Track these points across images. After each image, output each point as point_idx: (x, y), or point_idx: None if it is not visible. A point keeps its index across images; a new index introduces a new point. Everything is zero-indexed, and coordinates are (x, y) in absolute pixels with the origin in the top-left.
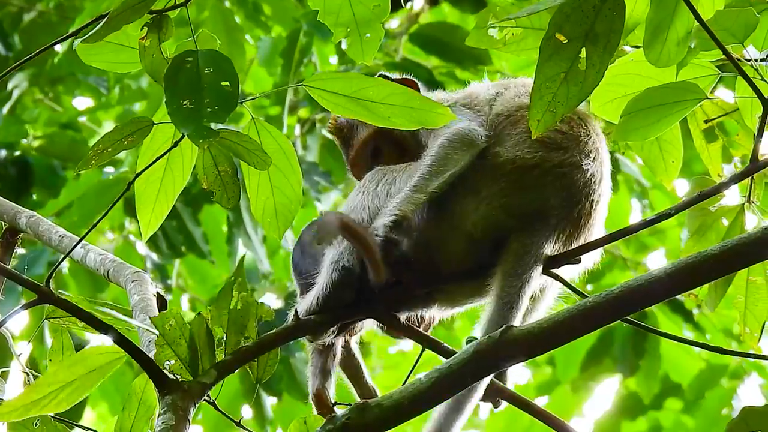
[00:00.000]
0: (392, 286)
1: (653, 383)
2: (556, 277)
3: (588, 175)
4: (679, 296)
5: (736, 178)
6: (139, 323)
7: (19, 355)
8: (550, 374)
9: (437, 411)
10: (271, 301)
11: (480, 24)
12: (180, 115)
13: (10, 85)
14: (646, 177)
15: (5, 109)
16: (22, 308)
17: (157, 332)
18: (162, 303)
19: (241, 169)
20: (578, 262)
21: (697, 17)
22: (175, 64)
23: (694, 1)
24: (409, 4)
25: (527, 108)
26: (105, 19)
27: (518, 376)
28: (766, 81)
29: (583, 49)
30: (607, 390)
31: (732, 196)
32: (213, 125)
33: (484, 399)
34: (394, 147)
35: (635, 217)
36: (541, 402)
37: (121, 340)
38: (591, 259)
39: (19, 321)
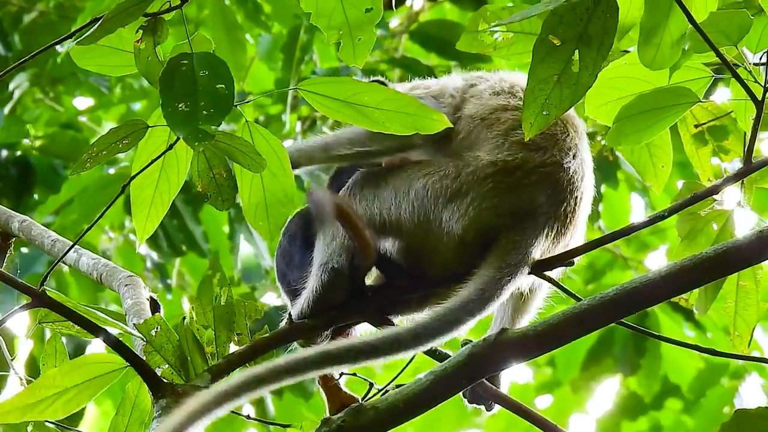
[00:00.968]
0: (383, 288)
1: (654, 382)
2: (550, 280)
3: (570, 172)
4: None
5: (730, 180)
6: (131, 329)
7: (12, 360)
8: (551, 375)
9: None
10: (272, 299)
11: (471, 28)
12: (175, 117)
13: (11, 86)
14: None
15: (6, 110)
16: (16, 312)
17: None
18: (155, 307)
19: (234, 171)
20: (571, 264)
21: (690, 19)
22: (170, 67)
23: (688, 3)
24: (409, 2)
25: (503, 109)
26: (100, 21)
27: (518, 376)
28: (759, 83)
29: (577, 52)
30: (608, 390)
31: (728, 200)
32: (208, 128)
33: (478, 402)
34: None
35: (636, 214)
36: (543, 402)
37: (115, 344)
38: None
39: (21, 320)
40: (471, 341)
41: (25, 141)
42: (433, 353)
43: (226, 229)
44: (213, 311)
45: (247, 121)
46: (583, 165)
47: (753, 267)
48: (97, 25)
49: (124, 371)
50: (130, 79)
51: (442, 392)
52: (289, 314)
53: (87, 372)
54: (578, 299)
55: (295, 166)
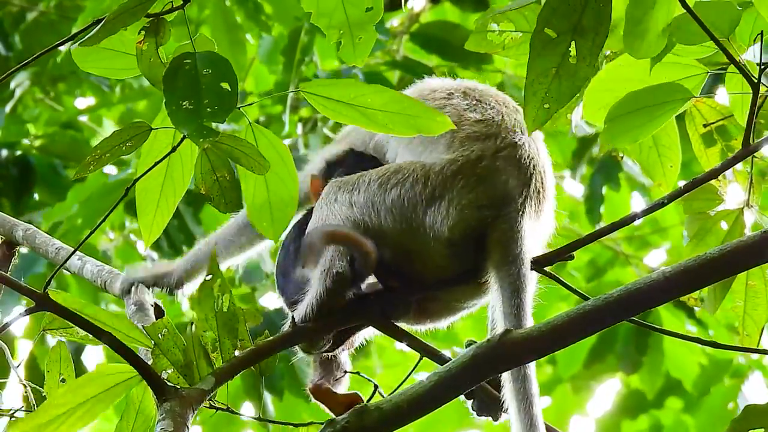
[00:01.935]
0: (386, 292)
1: (656, 379)
2: (552, 276)
3: (526, 147)
4: None
5: (728, 164)
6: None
7: (17, 366)
8: (551, 374)
9: None
10: (272, 300)
11: (479, 28)
12: (179, 115)
13: (12, 84)
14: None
15: (7, 109)
16: (20, 316)
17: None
18: (159, 313)
19: (237, 172)
20: (571, 258)
21: (685, 5)
22: (173, 67)
23: None
24: (410, 4)
25: (442, 107)
26: (102, 22)
27: None
28: (753, 77)
29: (573, 43)
30: (609, 390)
31: (732, 199)
32: (213, 125)
33: (485, 413)
34: None
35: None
36: (542, 403)
37: (119, 347)
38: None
39: (21, 323)
40: (475, 342)
41: (25, 140)
42: (435, 357)
43: None
44: (216, 319)
45: (250, 122)
46: (533, 139)
47: (762, 267)
48: (99, 27)
49: (134, 381)
50: (130, 79)
51: (446, 393)
52: (292, 318)
53: (98, 386)
54: (586, 298)
55: None
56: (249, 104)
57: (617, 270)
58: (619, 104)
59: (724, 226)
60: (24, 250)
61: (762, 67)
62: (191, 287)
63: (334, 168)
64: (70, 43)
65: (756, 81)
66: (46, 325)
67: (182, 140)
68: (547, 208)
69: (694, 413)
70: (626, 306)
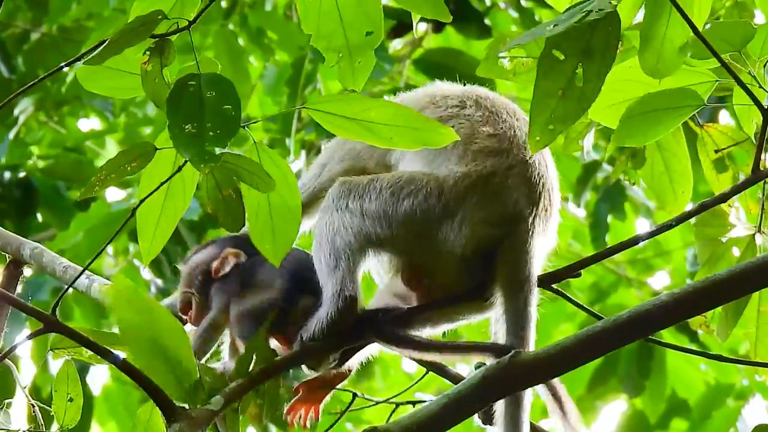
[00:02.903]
0: (392, 310)
1: (659, 403)
2: (560, 293)
3: (536, 164)
4: None
5: (737, 189)
6: None
7: (25, 387)
8: None
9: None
10: None
11: (490, 55)
12: (182, 139)
13: (16, 111)
14: (652, 199)
15: (11, 135)
16: (28, 338)
17: None
18: None
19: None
20: (579, 275)
21: (692, 26)
22: (177, 88)
23: (687, 9)
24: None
25: (456, 117)
26: (106, 42)
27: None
28: (764, 89)
29: (580, 65)
30: (614, 409)
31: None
32: (215, 150)
33: (492, 422)
34: None
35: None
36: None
37: (128, 368)
38: None
39: (25, 345)
40: (484, 364)
41: (29, 162)
42: (442, 373)
43: None
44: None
45: (255, 142)
46: (545, 158)
47: None
48: (103, 46)
49: None
50: (134, 108)
51: (455, 415)
52: (300, 337)
53: None
54: (596, 316)
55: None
56: (254, 121)
57: (621, 293)
58: (633, 106)
59: (736, 252)
60: (28, 272)
61: None
62: None
63: None
64: (73, 67)
65: (765, 108)
66: (54, 344)
67: (184, 164)
68: (552, 225)
69: None
70: (636, 327)
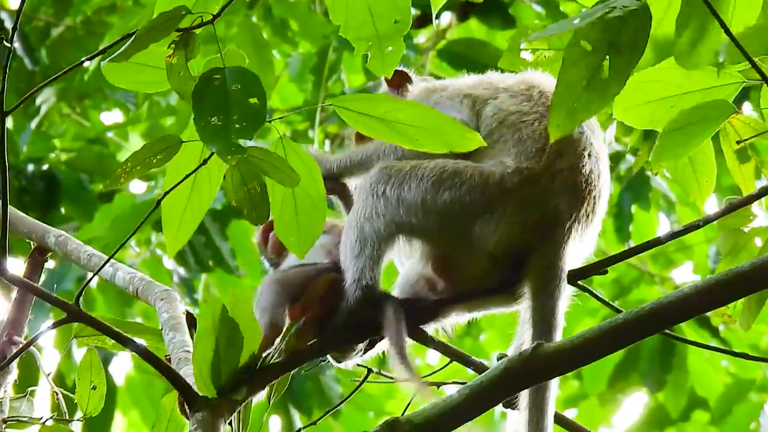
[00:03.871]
0: (417, 301)
1: (680, 398)
2: (585, 289)
3: (587, 173)
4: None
5: (766, 190)
6: (166, 341)
7: (49, 374)
8: (578, 387)
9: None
10: None
11: (512, 47)
12: (208, 131)
13: (38, 101)
14: (674, 192)
15: (33, 125)
16: (52, 327)
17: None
18: (191, 320)
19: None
20: (605, 272)
21: (726, 31)
22: (202, 82)
23: (726, 12)
24: (437, 21)
25: (523, 113)
26: (132, 38)
27: None
28: None
29: (607, 58)
30: (636, 401)
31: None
32: (241, 141)
33: (512, 406)
34: None
35: (663, 232)
36: (569, 415)
37: (150, 357)
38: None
39: (48, 335)
40: (506, 355)
41: (52, 155)
42: (466, 362)
43: None
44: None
45: (281, 136)
46: (598, 163)
47: None
48: (129, 42)
49: None
50: (157, 97)
51: (477, 407)
52: (325, 328)
53: None
54: (618, 311)
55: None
56: (279, 117)
57: (643, 288)
58: (673, 122)
59: (758, 242)
60: (51, 265)
61: None
62: None
63: None
64: (96, 59)
65: None
66: (78, 332)
67: (210, 156)
68: (591, 233)
69: (721, 427)
70: (658, 319)
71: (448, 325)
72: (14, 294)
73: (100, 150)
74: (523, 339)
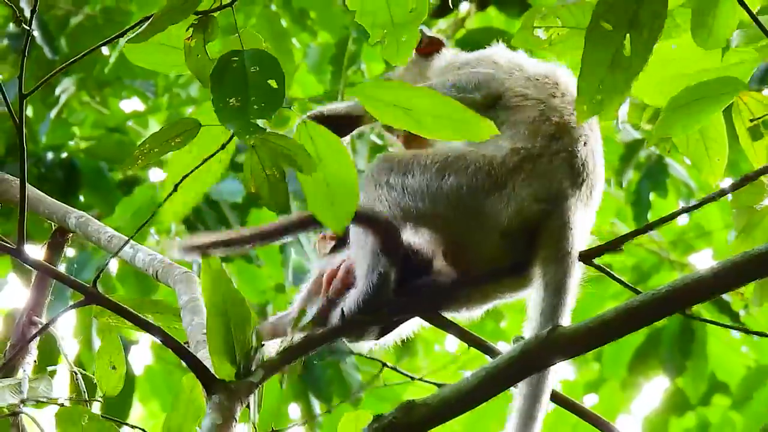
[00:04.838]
0: (434, 285)
1: (701, 383)
2: (599, 268)
3: (583, 157)
4: (726, 297)
5: None
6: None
7: (67, 356)
8: (597, 372)
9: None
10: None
11: (526, 25)
12: (226, 113)
13: (57, 90)
14: (694, 179)
15: (52, 114)
16: (70, 308)
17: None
18: None
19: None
20: (621, 251)
21: (746, 8)
22: (221, 64)
23: None
24: (455, 10)
25: (528, 97)
26: (150, 19)
27: (566, 373)
28: None
29: (628, 36)
30: (656, 386)
31: None
32: (260, 122)
33: None
34: None
35: (682, 219)
36: (590, 399)
37: (168, 340)
38: None
39: (68, 322)
40: (522, 338)
41: (71, 143)
42: (484, 348)
43: None
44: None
45: (304, 119)
46: (594, 155)
47: None
48: (148, 23)
49: None
50: (177, 89)
51: (493, 388)
52: (342, 311)
53: None
54: (636, 291)
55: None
56: (301, 100)
57: (662, 274)
58: (677, 97)
59: None
60: (71, 254)
61: None
62: None
63: None
64: (115, 49)
65: None
66: (97, 314)
67: (231, 137)
68: (591, 211)
69: (742, 411)
70: (674, 301)
71: (463, 314)
72: (34, 276)
73: (120, 138)
74: (535, 320)
